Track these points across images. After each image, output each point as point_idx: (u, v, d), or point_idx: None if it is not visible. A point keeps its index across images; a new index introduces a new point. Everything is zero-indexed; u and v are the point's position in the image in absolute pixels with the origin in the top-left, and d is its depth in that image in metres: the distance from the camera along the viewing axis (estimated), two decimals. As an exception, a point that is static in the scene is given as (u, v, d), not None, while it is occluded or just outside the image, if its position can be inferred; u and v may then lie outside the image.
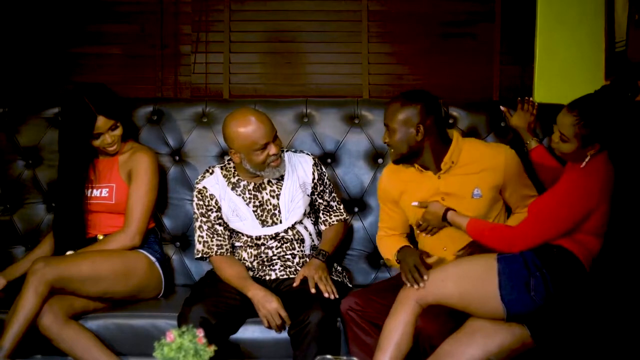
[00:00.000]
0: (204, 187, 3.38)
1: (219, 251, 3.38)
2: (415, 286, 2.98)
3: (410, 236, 3.40)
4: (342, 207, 3.54)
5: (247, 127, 3.23)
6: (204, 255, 3.40)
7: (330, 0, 4.17)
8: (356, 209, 3.76)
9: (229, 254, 3.41)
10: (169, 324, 3.22)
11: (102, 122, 3.41)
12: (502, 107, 3.66)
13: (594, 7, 3.90)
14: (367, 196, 3.75)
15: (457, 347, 2.92)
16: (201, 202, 3.38)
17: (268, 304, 3.17)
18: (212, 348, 2.23)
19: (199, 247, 3.40)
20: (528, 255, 2.94)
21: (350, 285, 3.52)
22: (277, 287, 3.34)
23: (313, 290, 3.18)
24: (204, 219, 3.38)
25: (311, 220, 3.49)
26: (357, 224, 3.74)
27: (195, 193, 3.40)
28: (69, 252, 3.39)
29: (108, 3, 4.20)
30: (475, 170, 3.17)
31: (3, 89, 4.15)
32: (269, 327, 3.19)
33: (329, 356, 2.89)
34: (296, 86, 4.21)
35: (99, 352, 3.20)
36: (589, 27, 3.93)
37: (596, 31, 3.89)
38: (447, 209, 3.11)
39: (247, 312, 3.24)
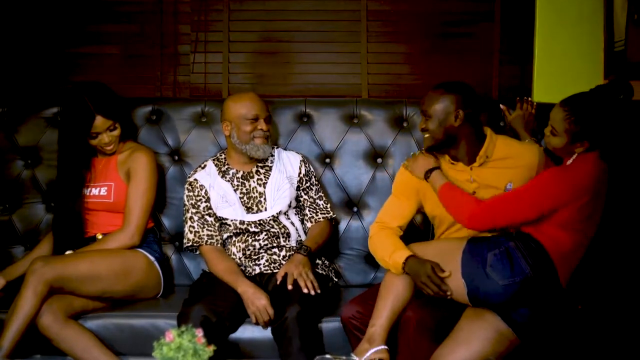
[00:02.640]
0: (195, 179, 3.51)
1: (209, 241, 3.45)
2: (449, 294, 3.02)
3: (417, 234, 3.42)
4: (329, 206, 3.59)
5: (243, 99, 3.48)
6: (194, 245, 3.46)
7: (329, 0, 4.17)
8: (355, 209, 3.76)
9: (219, 245, 3.46)
10: (168, 324, 3.22)
11: (100, 121, 3.42)
12: (501, 106, 3.67)
13: (593, 7, 3.90)
14: (367, 196, 3.75)
15: (446, 350, 2.96)
16: (191, 194, 3.49)
17: (257, 300, 3.20)
18: (212, 348, 2.23)
19: (189, 236, 3.47)
20: (493, 237, 3.04)
21: (336, 279, 3.54)
22: (260, 282, 3.36)
23: (290, 287, 3.21)
24: (194, 210, 3.48)
25: (298, 217, 3.54)
26: (356, 223, 3.74)
27: (186, 186, 3.52)
28: (68, 252, 3.39)
29: (108, 3, 4.20)
30: (509, 165, 3.18)
31: (2, 89, 4.15)
32: (257, 323, 3.22)
33: (328, 356, 2.90)
34: (295, 86, 4.20)
35: (99, 351, 3.20)
36: (588, 27, 3.93)
37: (595, 31, 3.90)
38: (434, 169, 3.16)
39: (246, 311, 3.25)
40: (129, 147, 3.57)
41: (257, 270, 3.41)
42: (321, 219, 3.56)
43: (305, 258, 3.35)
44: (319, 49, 4.20)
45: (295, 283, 3.23)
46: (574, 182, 2.97)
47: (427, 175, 3.17)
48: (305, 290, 3.20)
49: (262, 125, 3.44)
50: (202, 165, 3.56)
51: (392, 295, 3.07)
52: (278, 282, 3.28)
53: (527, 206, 2.99)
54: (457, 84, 3.20)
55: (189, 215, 3.48)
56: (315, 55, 4.20)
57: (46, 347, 3.21)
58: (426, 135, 3.20)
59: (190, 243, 3.46)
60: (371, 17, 4.16)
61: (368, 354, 2.97)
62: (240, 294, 3.25)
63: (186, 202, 3.50)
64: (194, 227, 3.46)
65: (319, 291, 3.22)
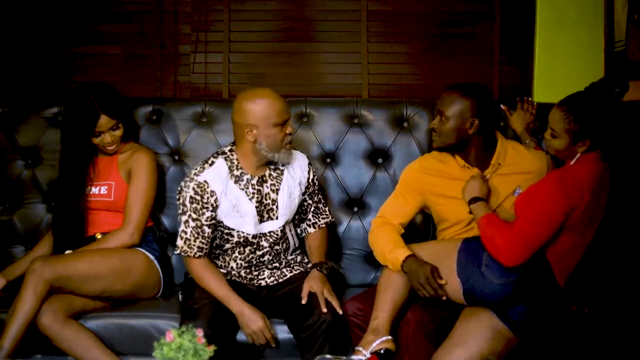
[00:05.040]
0: (205, 182, 3.18)
1: (198, 253, 3.21)
2: (444, 298, 3.02)
3: (417, 234, 3.42)
4: (327, 209, 3.51)
5: (268, 99, 3.15)
6: (182, 254, 3.24)
7: (330, 0, 4.17)
8: (356, 209, 3.76)
9: (206, 257, 3.25)
10: (168, 324, 3.22)
11: (104, 121, 3.42)
12: (502, 106, 3.67)
13: (594, 7, 3.91)
14: (367, 196, 3.75)
15: (443, 352, 2.96)
16: (197, 197, 3.18)
17: (253, 324, 3.12)
18: (212, 348, 2.23)
19: (179, 242, 3.22)
20: None
21: (340, 271, 3.54)
22: (268, 294, 3.31)
23: (324, 310, 3.09)
24: (194, 216, 3.18)
25: (294, 223, 3.46)
26: (356, 223, 3.74)
27: (192, 185, 3.19)
28: (67, 252, 3.40)
29: (108, 3, 4.21)
30: (517, 170, 3.19)
31: (3, 89, 4.15)
32: (253, 343, 3.16)
33: (328, 356, 2.90)
34: (295, 86, 4.21)
35: (99, 351, 3.20)
36: (588, 27, 3.93)
37: (596, 31, 3.90)
38: (477, 198, 3.09)
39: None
40: (130, 148, 3.58)
41: (263, 283, 3.34)
42: (323, 224, 3.47)
43: (325, 276, 3.26)
44: (319, 48, 4.20)
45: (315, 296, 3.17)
46: (577, 183, 2.96)
47: (471, 202, 3.11)
48: (340, 312, 3.11)
49: (289, 129, 3.19)
50: (210, 162, 3.23)
51: (392, 289, 3.07)
52: (303, 302, 3.15)
53: (547, 219, 2.94)
54: (476, 88, 3.19)
55: (184, 218, 3.20)
56: (316, 55, 4.21)
57: (46, 347, 3.21)
58: (436, 137, 3.21)
59: (179, 251, 3.23)
60: (371, 17, 4.16)
61: (374, 344, 2.98)
62: (236, 314, 3.15)
63: (187, 204, 3.18)
64: (186, 234, 3.20)
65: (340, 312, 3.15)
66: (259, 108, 3.15)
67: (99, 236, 3.48)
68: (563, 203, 2.93)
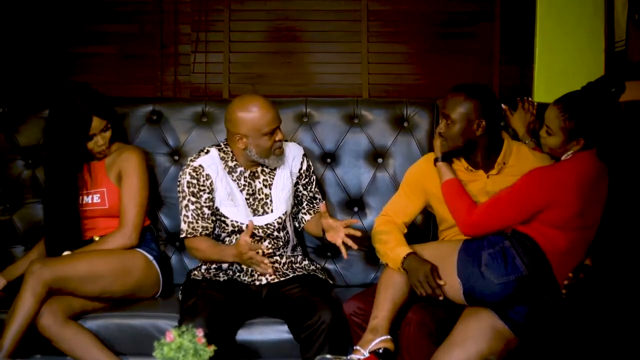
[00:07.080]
0: (200, 166, 3.32)
1: (204, 232, 3.34)
2: (441, 298, 3.03)
3: (417, 234, 3.41)
4: (323, 202, 3.54)
5: (258, 110, 3.24)
6: (188, 236, 3.36)
7: (330, 0, 4.17)
8: (356, 209, 3.76)
9: (212, 234, 3.39)
10: (168, 324, 3.22)
11: (96, 122, 3.40)
12: (503, 105, 3.67)
13: (594, 7, 3.91)
14: (367, 196, 3.75)
15: (442, 353, 2.96)
16: (194, 181, 3.32)
17: (240, 255, 3.18)
18: (212, 348, 2.23)
19: (183, 226, 3.35)
20: (489, 237, 3.04)
21: (331, 282, 3.53)
22: (270, 294, 3.31)
23: (355, 247, 3.25)
24: (193, 199, 3.32)
25: (291, 217, 3.50)
26: (356, 224, 3.73)
27: (188, 170, 3.33)
28: (65, 253, 3.39)
29: (107, 3, 4.21)
30: (521, 172, 3.16)
31: (3, 89, 4.15)
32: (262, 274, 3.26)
33: (328, 356, 2.91)
34: (296, 86, 4.21)
35: (99, 351, 3.20)
36: (588, 27, 3.94)
37: (596, 31, 3.90)
38: (442, 158, 3.18)
39: (245, 312, 3.25)
40: (117, 148, 3.53)
41: (264, 281, 3.34)
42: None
43: None
44: (319, 48, 4.20)
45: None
46: (560, 180, 2.97)
47: (435, 161, 3.18)
48: (359, 234, 3.25)
49: (279, 136, 3.29)
50: (205, 151, 3.37)
51: (391, 288, 3.08)
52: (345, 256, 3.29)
53: (517, 208, 3.01)
54: (480, 88, 3.18)
55: (184, 203, 3.33)
56: (316, 55, 4.21)
57: (46, 347, 3.21)
58: (443, 142, 3.19)
59: (184, 234, 3.36)
60: (372, 17, 4.16)
61: (373, 344, 2.98)
62: (234, 261, 3.26)
63: (185, 189, 3.32)
64: (187, 218, 3.33)
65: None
66: (248, 118, 3.25)
67: (96, 239, 3.47)
68: (539, 197, 2.97)
